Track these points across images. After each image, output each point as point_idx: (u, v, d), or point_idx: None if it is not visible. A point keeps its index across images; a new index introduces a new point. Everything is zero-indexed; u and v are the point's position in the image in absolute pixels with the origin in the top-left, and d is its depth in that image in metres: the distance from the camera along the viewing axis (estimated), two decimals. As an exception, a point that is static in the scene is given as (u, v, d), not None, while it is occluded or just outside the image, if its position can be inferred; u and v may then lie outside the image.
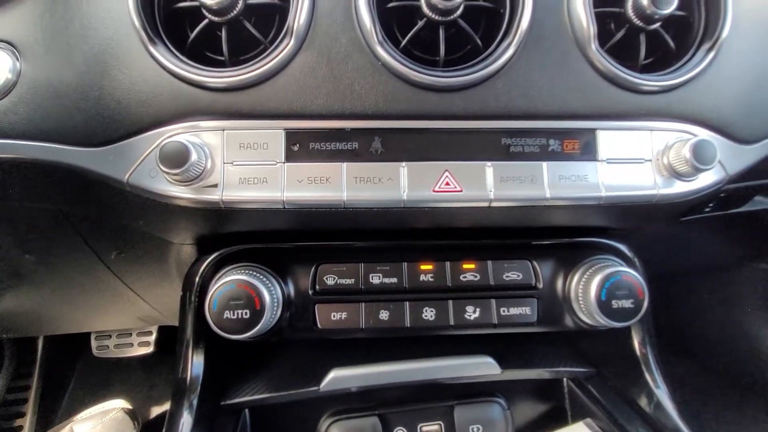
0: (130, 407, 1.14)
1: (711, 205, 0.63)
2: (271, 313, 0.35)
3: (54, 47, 0.34)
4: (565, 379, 0.46)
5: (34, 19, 0.35)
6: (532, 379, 0.45)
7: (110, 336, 1.24)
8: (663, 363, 0.42)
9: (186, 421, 0.36)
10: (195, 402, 0.37)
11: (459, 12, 0.32)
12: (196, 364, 0.38)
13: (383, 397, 0.44)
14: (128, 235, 0.45)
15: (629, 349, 0.42)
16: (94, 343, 1.23)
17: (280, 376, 0.42)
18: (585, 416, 0.43)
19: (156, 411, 1.25)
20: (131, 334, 1.24)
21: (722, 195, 0.61)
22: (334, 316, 0.38)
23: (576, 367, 0.44)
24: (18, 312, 0.62)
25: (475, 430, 0.42)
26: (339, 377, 0.40)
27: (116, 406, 1.15)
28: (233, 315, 0.34)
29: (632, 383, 0.41)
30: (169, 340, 1.27)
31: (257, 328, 0.34)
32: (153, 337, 1.25)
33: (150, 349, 1.25)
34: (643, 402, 0.40)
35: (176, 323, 0.77)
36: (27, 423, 1.17)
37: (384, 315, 0.38)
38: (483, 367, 0.42)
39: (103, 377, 1.26)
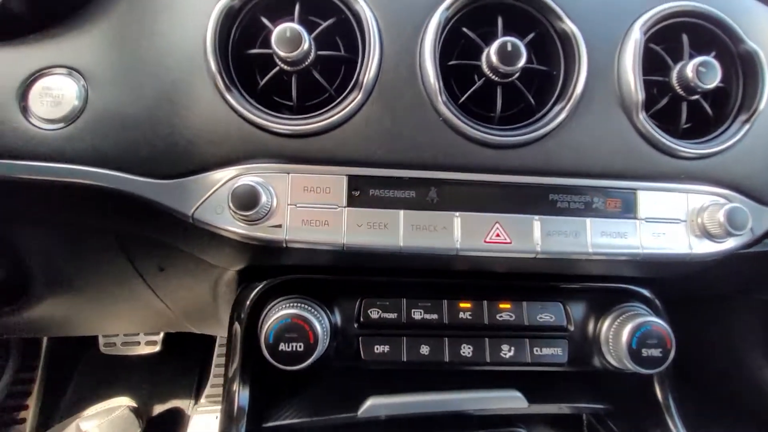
0: (135, 405, 1.15)
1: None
2: (322, 344, 0.37)
3: (123, 80, 0.36)
4: (584, 414, 0.48)
5: (103, 49, 0.36)
6: (554, 414, 0.48)
7: (118, 334, 1.25)
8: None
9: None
10: (243, 428, 0.39)
11: (517, 75, 0.34)
12: (243, 392, 0.40)
13: (413, 425, 0.46)
14: (173, 257, 0.46)
15: (650, 391, 0.44)
16: (101, 340, 1.24)
17: (319, 402, 0.44)
18: (603, 451, 0.45)
19: (159, 409, 1.27)
20: (138, 333, 1.25)
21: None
22: (377, 349, 0.40)
23: (597, 404, 0.46)
24: (49, 316, 0.63)
25: (499, 458, 0.45)
26: (376, 405, 0.42)
27: (122, 404, 1.16)
28: (288, 347, 0.36)
29: (651, 424, 0.44)
30: (175, 339, 1.28)
31: (311, 359, 0.36)
32: (160, 336, 1.26)
33: (157, 348, 1.27)
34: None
35: (199, 331, 0.79)
36: (30, 417, 1.18)
37: (425, 350, 0.41)
38: (511, 401, 0.44)
39: (107, 374, 1.27)
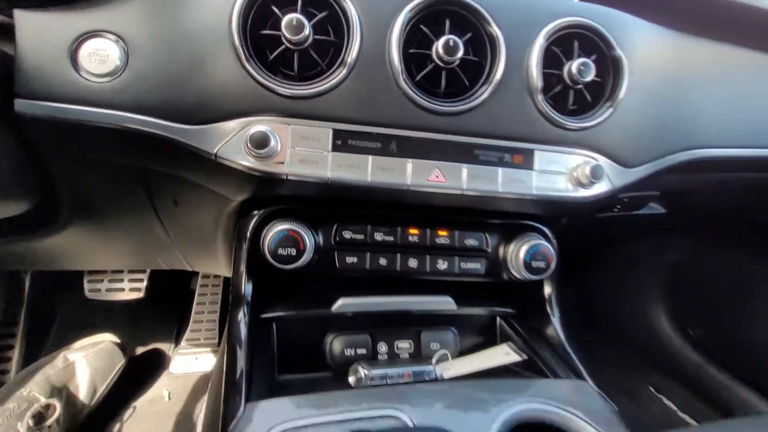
0: (118, 341, 1.25)
1: (618, 207, 0.85)
2: (308, 253, 0.52)
3: (159, 47, 0.46)
4: (498, 318, 0.66)
5: (141, 19, 0.46)
6: (475, 316, 0.65)
7: (103, 280, 1.33)
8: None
9: (242, 323, 0.52)
10: (247, 311, 0.53)
11: (457, 63, 0.49)
12: (248, 286, 0.54)
13: (373, 322, 0.62)
14: (189, 192, 0.58)
15: (541, 297, 0.62)
16: (87, 285, 1.32)
17: (303, 301, 0.58)
18: (507, 341, 0.63)
19: (141, 350, 1.38)
20: (123, 280, 1.34)
21: (625, 200, 0.83)
22: (348, 260, 0.55)
23: (506, 308, 0.64)
24: (63, 246, 0.73)
25: (435, 346, 0.62)
26: (345, 303, 0.58)
27: (105, 338, 1.25)
28: (284, 252, 0.50)
29: (540, 320, 0.62)
30: (157, 287, 1.38)
31: (300, 261, 0.51)
32: (144, 284, 1.36)
33: (140, 295, 1.36)
34: (545, 331, 0.61)
35: (192, 268, 0.90)
36: (15, 355, 1.25)
37: (383, 261, 0.56)
38: (445, 304, 0.61)
39: (90, 317, 1.35)
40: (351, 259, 0.56)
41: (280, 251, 0.50)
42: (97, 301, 1.32)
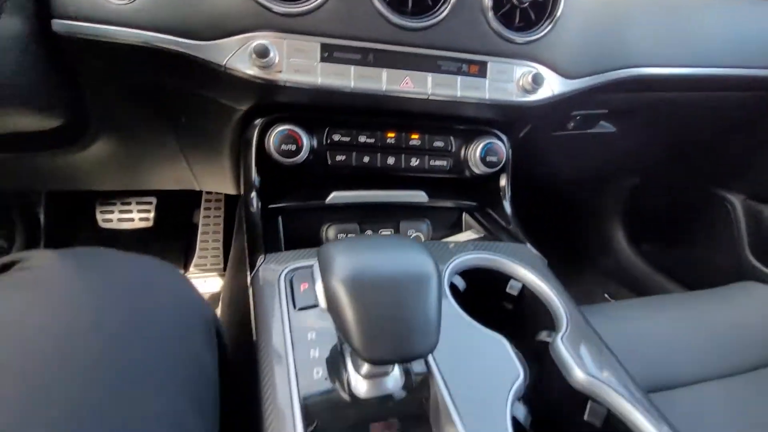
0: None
1: (572, 124, 0.98)
2: (305, 151, 0.64)
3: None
4: (463, 212, 0.81)
5: None
6: (445, 209, 0.79)
7: (114, 210, 1.45)
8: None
9: (254, 201, 0.65)
10: (256, 198, 0.66)
11: (421, -15, 0.58)
12: (255, 176, 0.66)
13: (360, 214, 0.76)
14: (196, 105, 0.69)
15: (497, 189, 0.77)
16: (99, 216, 1.44)
17: (302, 195, 0.72)
18: (471, 228, 0.78)
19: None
20: (132, 210, 1.46)
21: (577, 117, 0.96)
22: (337, 158, 0.68)
23: (470, 201, 0.79)
24: (91, 162, 0.83)
25: (411, 232, 0.76)
26: (337, 196, 0.71)
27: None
28: (286, 147, 0.62)
29: (497, 209, 0.77)
30: (165, 218, 1.51)
31: (299, 156, 0.63)
32: (152, 214, 1.48)
33: (149, 224, 1.49)
34: (501, 218, 0.76)
35: (199, 188, 1.02)
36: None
37: (366, 159, 0.69)
38: (418, 197, 0.75)
39: (103, 246, 1.48)
40: (340, 157, 0.68)
41: (283, 147, 0.62)
42: (109, 231, 1.45)
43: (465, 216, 0.81)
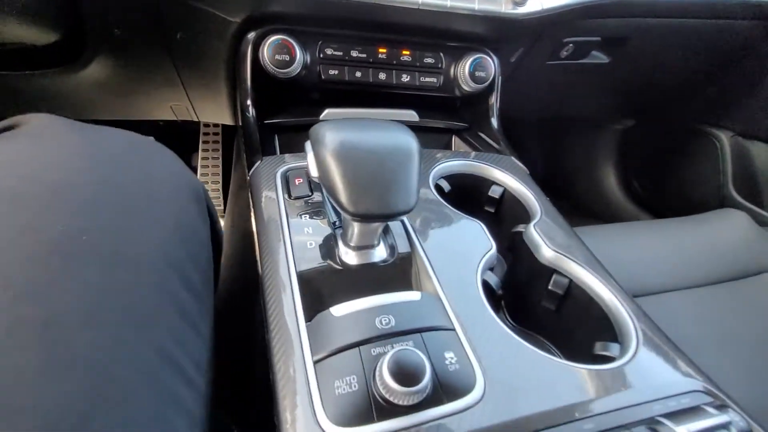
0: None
1: (564, 53, 0.98)
2: (299, 63, 0.66)
3: None
4: (453, 135, 0.84)
5: None
6: (435, 131, 0.82)
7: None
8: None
9: (251, 114, 0.68)
10: (252, 107, 0.68)
11: None
12: (251, 89, 0.68)
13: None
14: (191, 18, 0.70)
15: (486, 108, 0.79)
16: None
17: (296, 112, 0.74)
18: (461, 149, 0.81)
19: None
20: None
21: (570, 45, 0.96)
22: (330, 72, 0.70)
23: (460, 122, 0.81)
24: (85, 88, 0.85)
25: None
26: (330, 112, 0.73)
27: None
28: (280, 57, 0.64)
29: (486, 129, 0.80)
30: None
31: (292, 67, 0.65)
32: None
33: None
34: (490, 138, 0.79)
35: (197, 119, 1.04)
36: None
37: (358, 74, 0.71)
38: (409, 116, 0.77)
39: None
40: (332, 72, 0.70)
41: (277, 57, 0.64)
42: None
43: (455, 138, 0.84)
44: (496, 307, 0.49)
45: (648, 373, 0.36)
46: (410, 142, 0.41)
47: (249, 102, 0.68)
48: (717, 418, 0.31)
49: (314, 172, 0.41)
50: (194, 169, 1.62)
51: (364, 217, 0.38)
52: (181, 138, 1.60)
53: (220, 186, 1.59)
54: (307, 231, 0.48)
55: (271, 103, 0.73)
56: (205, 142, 1.59)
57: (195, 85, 0.90)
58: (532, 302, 0.52)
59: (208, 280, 0.41)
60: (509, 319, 0.56)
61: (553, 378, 0.34)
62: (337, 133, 0.40)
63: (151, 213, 0.35)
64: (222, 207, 1.60)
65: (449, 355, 0.34)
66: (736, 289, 0.84)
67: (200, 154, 1.62)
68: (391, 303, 0.37)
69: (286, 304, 0.39)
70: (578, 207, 1.79)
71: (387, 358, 0.31)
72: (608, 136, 1.64)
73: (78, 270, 0.28)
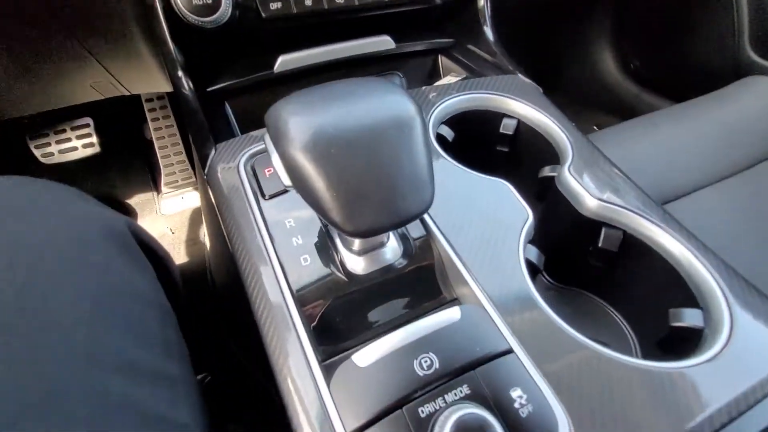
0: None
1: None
2: (226, 4, 0.49)
3: None
4: (439, 54, 0.68)
5: None
6: (417, 55, 0.67)
7: (49, 143, 1.28)
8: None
9: (186, 87, 0.53)
10: (185, 76, 0.53)
11: None
12: (174, 50, 0.52)
13: (321, 81, 0.63)
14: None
15: (474, 16, 0.63)
16: (36, 152, 1.27)
17: (244, 69, 0.58)
18: (451, 72, 0.67)
19: (126, 201, 1.42)
20: (71, 138, 1.29)
21: None
22: (271, 6, 0.53)
23: (445, 38, 0.66)
24: None
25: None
26: (285, 60, 0.58)
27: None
28: (198, 0, 0.47)
29: (476, 40, 0.64)
30: (112, 140, 1.34)
31: (219, 12, 0.48)
32: (94, 139, 1.31)
33: (96, 150, 1.33)
34: (485, 50, 0.64)
35: (129, 92, 0.86)
36: None
37: (308, 1, 0.54)
38: (383, 43, 0.61)
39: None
40: (275, 5, 0.53)
41: (194, 1, 0.47)
42: (55, 167, 1.30)
43: (442, 59, 0.69)
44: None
45: (753, 354, 0.29)
46: (406, 106, 0.29)
47: (179, 69, 0.53)
48: None
49: (285, 180, 0.29)
50: (149, 143, 1.44)
51: (367, 234, 0.28)
52: (126, 107, 1.38)
53: (184, 157, 1.43)
54: (296, 242, 0.38)
55: (211, 63, 0.57)
56: (151, 110, 1.38)
57: (109, 55, 0.71)
58: (577, 259, 0.44)
59: (165, 345, 0.32)
60: (547, 278, 0.49)
61: (646, 391, 0.27)
62: (303, 117, 0.28)
63: (51, 301, 0.25)
64: (193, 179, 1.46)
65: (516, 393, 0.26)
66: (765, 171, 0.76)
67: (151, 124, 1.42)
68: (427, 334, 0.29)
69: (293, 352, 0.31)
70: (573, 96, 1.65)
71: (447, 431, 0.23)
72: (599, 8, 1.43)
73: None
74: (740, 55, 1.10)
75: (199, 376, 0.39)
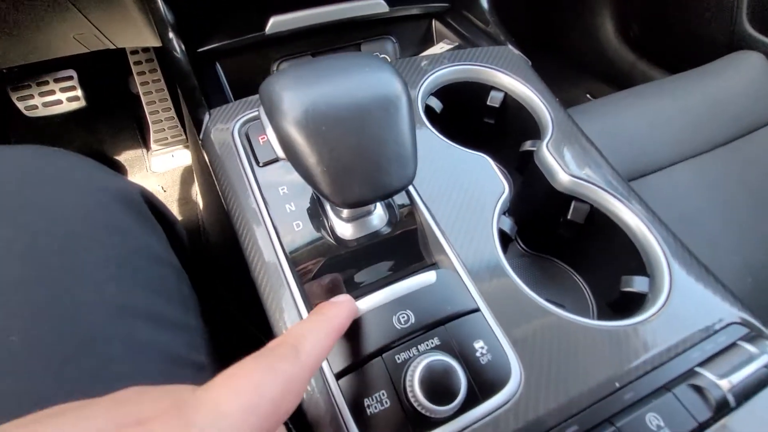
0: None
1: None
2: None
3: None
4: (433, 20, 0.68)
5: None
6: (411, 19, 0.66)
7: (32, 95, 1.25)
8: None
9: (177, 49, 0.53)
10: (175, 37, 0.53)
11: None
12: (164, 8, 0.52)
13: (312, 43, 0.63)
14: None
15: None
16: (19, 105, 1.24)
17: (235, 30, 0.58)
18: (443, 39, 0.67)
19: (115, 157, 1.41)
20: (54, 91, 1.25)
21: None
22: (263, -35, 0.52)
23: (439, 3, 0.65)
24: None
25: (376, 55, 0.65)
26: (277, 21, 0.57)
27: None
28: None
29: (470, 6, 0.64)
30: (97, 93, 1.31)
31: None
32: (79, 92, 1.28)
33: (82, 104, 1.30)
34: (478, 17, 0.64)
35: (114, 45, 0.84)
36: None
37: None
38: (376, 6, 0.61)
39: (41, 137, 1.31)
40: (265, -36, 0.52)
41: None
42: (40, 120, 1.27)
43: (435, 24, 0.69)
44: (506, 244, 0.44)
45: (683, 315, 0.33)
46: (393, 84, 0.31)
47: (169, 30, 0.52)
48: (758, 362, 0.29)
49: (279, 151, 0.32)
50: (136, 98, 1.40)
51: (354, 206, 0.30)
52: (111, 60, 1.34)
53: (173, 114, 1.40)
54: (289, 208, 0.40)
55: (201, 22, 0.56)
56: (137, 63, 1.34)
57: (92, 5, 0.69)
58: (549, 229, 0.48)
59: (182, 299, 0.36)
60: (522, 245, 0.53)
61: (589, 346, 0.32)
62: (296, 93, 0.30)
63: (78, 260, 0.28)
64: (183, 136, 1.44)
65: (479, 345, 0.31)
66: (738, 149, 0.80)
67: (137, 78, 1.38)
68: (406, 294, 0.33)
69: (287, 308, 0.35)
70: (570, 61, 1.63)
71: (417, 374, 0.27)
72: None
73: None
74: (738, 28, 1.10)
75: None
